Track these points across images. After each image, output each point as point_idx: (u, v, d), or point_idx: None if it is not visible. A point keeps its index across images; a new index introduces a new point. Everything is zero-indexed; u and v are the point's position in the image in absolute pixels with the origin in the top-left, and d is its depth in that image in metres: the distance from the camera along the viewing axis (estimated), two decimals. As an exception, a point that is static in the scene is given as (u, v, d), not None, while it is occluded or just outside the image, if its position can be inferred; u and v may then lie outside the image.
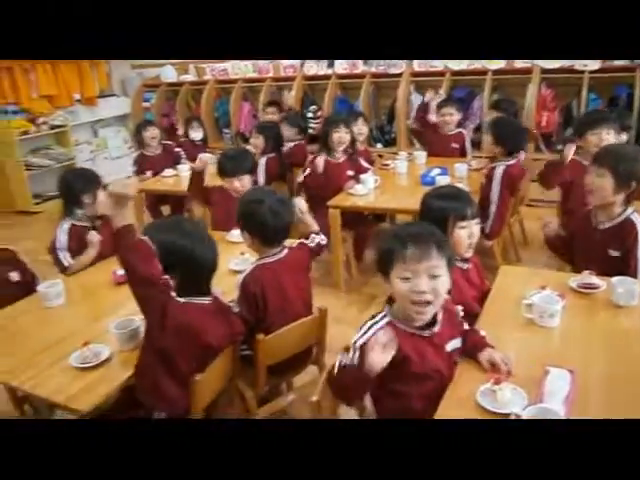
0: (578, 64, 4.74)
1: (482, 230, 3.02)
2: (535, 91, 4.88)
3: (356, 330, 1.56)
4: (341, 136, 3.71)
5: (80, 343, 1.84)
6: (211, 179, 3.38)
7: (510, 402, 1.39)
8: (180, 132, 5.32)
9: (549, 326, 1.79)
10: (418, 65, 5.43)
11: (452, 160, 3.95)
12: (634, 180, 2.16)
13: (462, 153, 4.27)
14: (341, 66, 5.73)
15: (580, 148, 3.05)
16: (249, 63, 6.15)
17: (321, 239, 2.32)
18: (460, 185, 2.71)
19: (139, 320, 1.83)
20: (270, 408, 2.10)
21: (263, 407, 2.06)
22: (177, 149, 4.76)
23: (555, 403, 1.38)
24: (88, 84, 6.55)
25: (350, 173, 3.74)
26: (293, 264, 2.14)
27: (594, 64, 4.69)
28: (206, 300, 1.78)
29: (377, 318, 1.58)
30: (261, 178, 3.93)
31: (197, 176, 3.21)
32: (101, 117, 6.82)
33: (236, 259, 2.43)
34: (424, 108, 4.56)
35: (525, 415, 1.32)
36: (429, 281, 1.46)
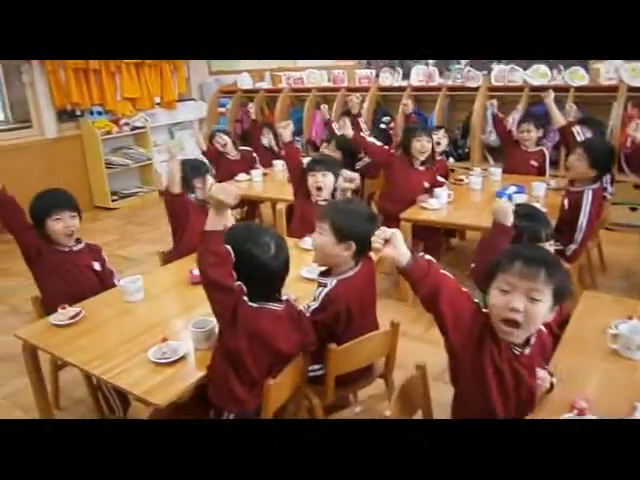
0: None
1: (562, 252, 2.93)
2: (621, 110, 4.67)
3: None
4: (423, 145, 3.67)
5: (157, 339, 1.90)
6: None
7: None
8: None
9: (636, 358, 1.70)
10: (495, 79, 5.32)
11: (529, 178, 3.84)
12: None
13: (540, 172, 4.13)
14: (417, 77, 5.67)
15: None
16: (324, 72, 6.22)
17: None
18: (537, 205, 2.63)
19: (215, 321, 1.87)
20: (336, 417, 2.09)
21: (329, 416, 2.05)
22: (253, 154, 4.89)
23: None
24: (169, 88, 6.80)
25: (427, 185, 3.70)
26: (367, 277, 2.13)
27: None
28: (279, 306, 1.79)
29: None
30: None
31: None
32: (178, 120, 7.06)
33: (308, 267, 2.44)
34: (500, 119, 4.45)
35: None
36: (526, 302, 1.38)
